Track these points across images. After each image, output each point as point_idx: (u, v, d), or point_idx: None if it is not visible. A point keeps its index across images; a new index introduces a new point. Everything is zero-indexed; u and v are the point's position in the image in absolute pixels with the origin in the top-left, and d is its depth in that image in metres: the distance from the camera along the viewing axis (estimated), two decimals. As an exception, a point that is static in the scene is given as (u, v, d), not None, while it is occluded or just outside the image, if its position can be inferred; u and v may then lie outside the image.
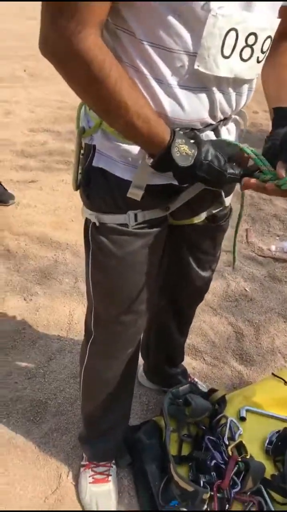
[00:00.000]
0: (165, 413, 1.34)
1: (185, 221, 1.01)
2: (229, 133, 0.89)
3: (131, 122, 0.72)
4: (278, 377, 1.49)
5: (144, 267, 0.97)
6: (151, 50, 0.72)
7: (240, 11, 0.71)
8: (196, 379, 1.59)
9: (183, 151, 0.75)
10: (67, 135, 3.59)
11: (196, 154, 0.76)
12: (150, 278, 0.99)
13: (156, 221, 0.92)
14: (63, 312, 1.88)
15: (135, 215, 0.89)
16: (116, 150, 0.84)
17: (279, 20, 0.77)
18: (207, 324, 1.89)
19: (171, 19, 0.68)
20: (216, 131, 0.84)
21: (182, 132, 0.77)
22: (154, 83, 0.75)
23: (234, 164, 0.80)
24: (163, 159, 0.76)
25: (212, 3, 0.67)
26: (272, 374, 1.52)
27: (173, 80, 0.74)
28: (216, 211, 1.01)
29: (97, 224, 0.92)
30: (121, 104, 0.70)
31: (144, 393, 1.57)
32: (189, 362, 1.69)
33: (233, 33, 0.72)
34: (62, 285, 2.03)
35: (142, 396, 1.56)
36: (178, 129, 0.77)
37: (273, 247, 2.38)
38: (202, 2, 0.67)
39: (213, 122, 0.82)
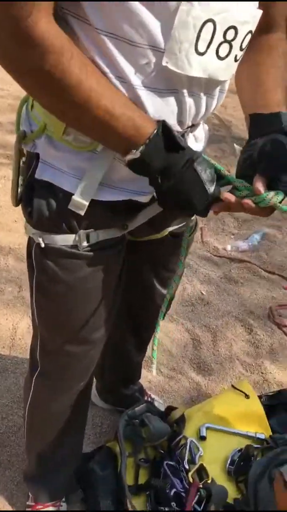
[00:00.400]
0: (120, 438, 1.23)
1: (145, 238, 0.89)
2: (196, 140, 0.77)
3: (105, 113, 0.60)
4: (237, 389, 1.42)
5: (98, 293, 0.84)
6: (110, 43, 0.59)
7: None
8: (152, 395, 1.49)
9: (175, 135, 0.63)
10: (9, 126, 3.33)
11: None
12: (105, 304, 0.87)
13: (112, 241, 0.79)
14: (6, 326, 1.70)
15: (87, 236, 0.76)
16: (64, 160, 0.70)
17: (261, 12, 0.66)
18: (163, 332, 1.79)
19: (135, 4, 0.56)
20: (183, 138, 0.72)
21: None
22: (114, 81, 0.62)
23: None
24: (156, 144, 0.63)
25: None
26: (232, 386, 1.45)
27: (136, 80, 0.62)
28: (181, 225, 0.90)
29: (42, 245, 0.78)
30: (91, 94, 0.58)
31: (97, 413, 1.45)
32: (144, 376, 1.58)
33: (210, 25, 0.59)
34: (4, 295, 1.84)
35: (95, 417, 1.44)
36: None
37: (228, 247, 2.33)
38: None
39: (180, 129, 0.70)
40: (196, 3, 0.56)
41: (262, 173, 0.67)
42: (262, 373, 1.67)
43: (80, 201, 0.70)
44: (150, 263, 1.00)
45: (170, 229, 0.89)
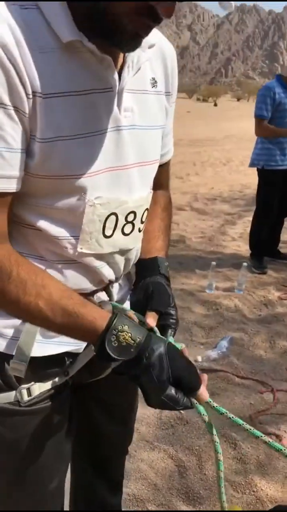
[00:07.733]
0: None
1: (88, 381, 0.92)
2: (121, 288, 0.88)
3: (49, 320, 0.69)
4: (228, 518, 1.34)
5: (47, 447, 0.83)
6: (33, 235, 0.74)
7: (118, 196, 0.74)
8: None
9: (123, 340, 0.67)
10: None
11: (143, 341, 0.68)
12: (55, 456, 0.86)
13: (55, 390, 0.82)
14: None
15: (28, 389, 0.78)
16: None
17: (152, 193, 0.83)
18: (145, 463, 1.71)
19: (51, 211, 0.71)
20: (107, 290, 0.83)
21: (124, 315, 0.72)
22: (35, 261, 0.75)
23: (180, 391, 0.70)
24: (100, 351, 0.69)
25: (88, 194, 0.70)
26: (222, 514, 1.37)
27: (56, 258, 0.75)
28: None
29: None
30: (29, 308, 0.68)
31: None
32: (131, 518, 1.49)
33: (113, 217, 0.75)
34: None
35: None
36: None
37: (199, 358, 2.36)
38: (77, 195, 0.70)
39: (102, 286, 0.82)
40: (98, 204, 0.72)
41: (151, 310, 0.79)
42: (253, 491, 1.59)
43: (19, 365, 0.75)
44: (96, 405, 0.99)
45: (109, 370, 0.89)
